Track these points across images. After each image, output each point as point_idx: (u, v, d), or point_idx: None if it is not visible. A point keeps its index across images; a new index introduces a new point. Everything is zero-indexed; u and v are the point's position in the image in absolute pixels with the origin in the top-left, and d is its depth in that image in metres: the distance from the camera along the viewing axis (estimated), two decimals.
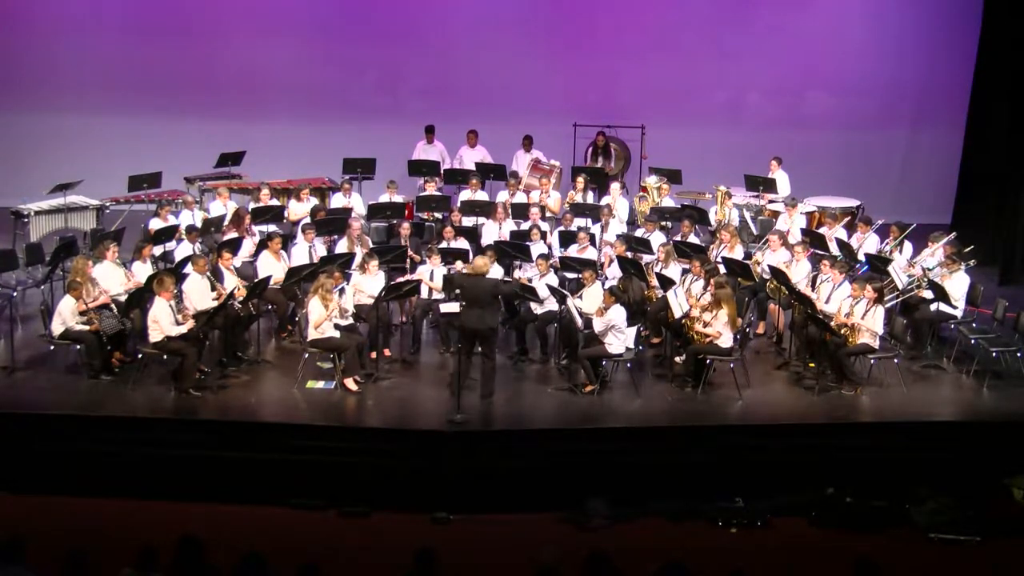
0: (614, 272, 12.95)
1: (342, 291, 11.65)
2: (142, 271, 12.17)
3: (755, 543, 9.81)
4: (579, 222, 14.16)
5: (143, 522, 9.55)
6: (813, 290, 12.20)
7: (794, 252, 12.82)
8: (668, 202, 15.09)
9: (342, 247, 13.33)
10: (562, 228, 13.95)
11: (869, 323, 11.31)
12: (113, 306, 11.56)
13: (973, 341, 12.08)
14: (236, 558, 7.30)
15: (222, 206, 14.30)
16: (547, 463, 10.51)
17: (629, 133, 17.14)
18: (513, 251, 13.18)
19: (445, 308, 12.10)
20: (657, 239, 13.50)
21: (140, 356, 11.46)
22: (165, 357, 11.16)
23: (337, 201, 15.02)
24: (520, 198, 14.82)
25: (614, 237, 13.41)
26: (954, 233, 13.39)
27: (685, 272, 12.38)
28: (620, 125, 17.07)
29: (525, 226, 13.78)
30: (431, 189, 15.10)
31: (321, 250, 13.26)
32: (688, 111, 17.52)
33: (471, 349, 11.11)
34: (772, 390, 11.73)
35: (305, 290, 12.04)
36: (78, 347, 11.46)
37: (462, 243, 13.31)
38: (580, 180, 14.94)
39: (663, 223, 14.37)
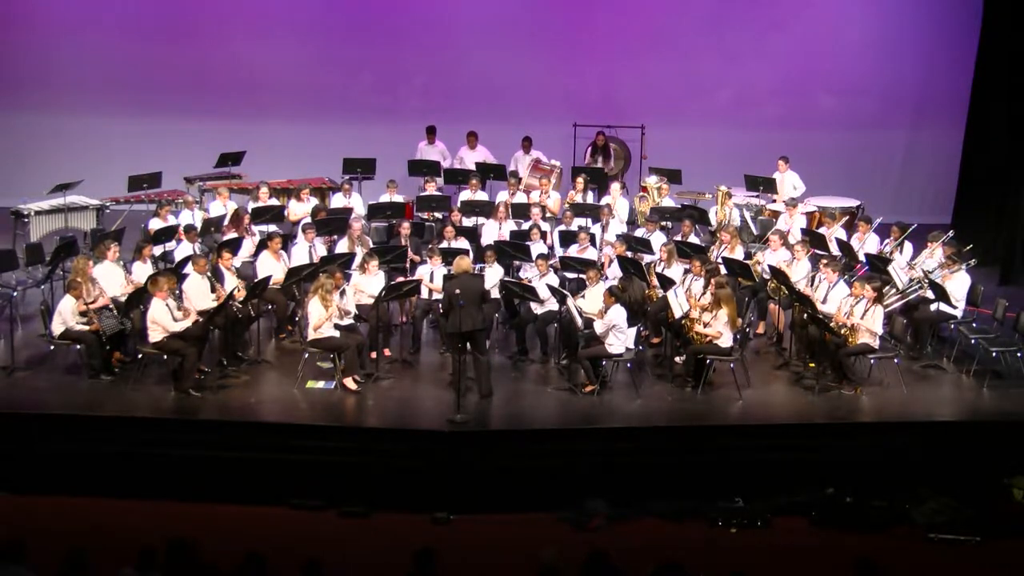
0: (614, 272, 12.95)
1: (342, 292, 11.65)
2: (142, 271, 12.17)
3: (755, 543, 9.81)
4: (579, 222, 14.17)
5: (143, 522, 9.55)
6: (811, 290, 12.20)
7: (794, 252, 12.83)
8: (668, 202, 15.09)
9: (342, 247, 13.33)
10: (562, 228, 13.95)
11: (868, 323, 11.31)
12: (113, 306, 11.56)
13: (973, 341, 12.07)
14: (236, 558, 7.30)
15: (222, 206, 14.30)
16: (547, 463, 10.52)
17: (629, 133, 17.15)
18: (513, 251, 13.18)
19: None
20: (657, 239, 13.50)
21: (140, 356, 11.46)
22: (165, 357, 11.17)
23: (337, 201, 15.03)
24: (520, 198, 14.82)
25: (614, 237, 13.41)
26: (951, 232, 13.38)
27: (686, 272, 12.38)
28: (620, 125, 17.07)
29: (525, 226, 13.78)
30: (431, 189, 15.11)
31: (321, 250, 13.26)
32: (688, 111, 17.53)
33: (463, 348, 11.09)
34: (772, 390, 11.72)
35: (305, 290, 12.04)
36: (78, 347, 11.46)
37: (462, 243, 13.32)
38: (580, 180, 14.94)
39: (663, 223, 14.37)
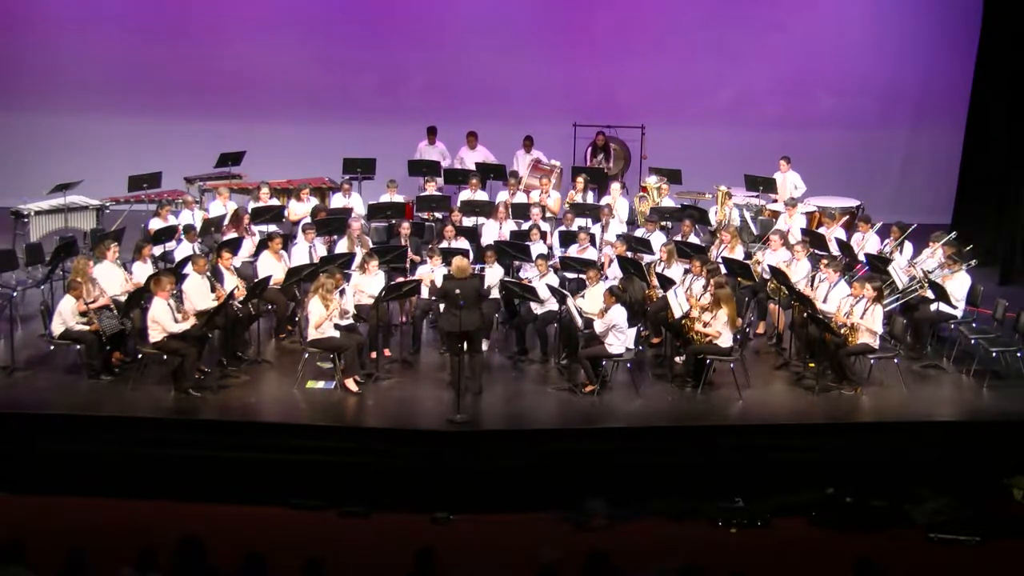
0: (614, 272, 12.95)
1: (342, 292, 11.66)
2: (142, 271, 12.17)
3: (755, 543, 9.81)
4: (579, 222, 14.17)
5: (143, 522, 9.55)
6: (812, 290, 12.20)
7: (794, 252, 12.83)
8: (668, 202, 15.09)
9: (342, 247, 13.33)
10: (562, 228, 13.95)
11: (868, 323, 11.31)
12: (113, 306, 11.56)
13: (973, 341, 12.07)
14: (236, 558, 7.30)
15: (222, 206, 14.30)
16: (547, 463, 10.52)
17: (629, 133, 17.15)
18: (513, 251, 13.19)
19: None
20: (657, 239, 13.50)
21: (140, 356, 11.47)
22: (165, 357, 11.16)
23: (337, 201, 15.03)
24: (520, 198, 14.82)
25: (614, 237, 13.41)
26: (954, 233, 13.39)
27: (686, 272, 12.38)
28: (620, 125, 17.07)
29: (525, 226, 13.78)
30: (431, 189, 15.11)
31: (321, 250, 13.26)
32: (688, 111, 17.53)
33: (462, 348, 11.10)
34: (772, 390, 11.73)
35: (305, 290, 12.05)
36: (78, 347, 11.46)
37: (462, 243, 13.32)
38: (580, 180, 14.94)
39: (663, 223, 14.37)
